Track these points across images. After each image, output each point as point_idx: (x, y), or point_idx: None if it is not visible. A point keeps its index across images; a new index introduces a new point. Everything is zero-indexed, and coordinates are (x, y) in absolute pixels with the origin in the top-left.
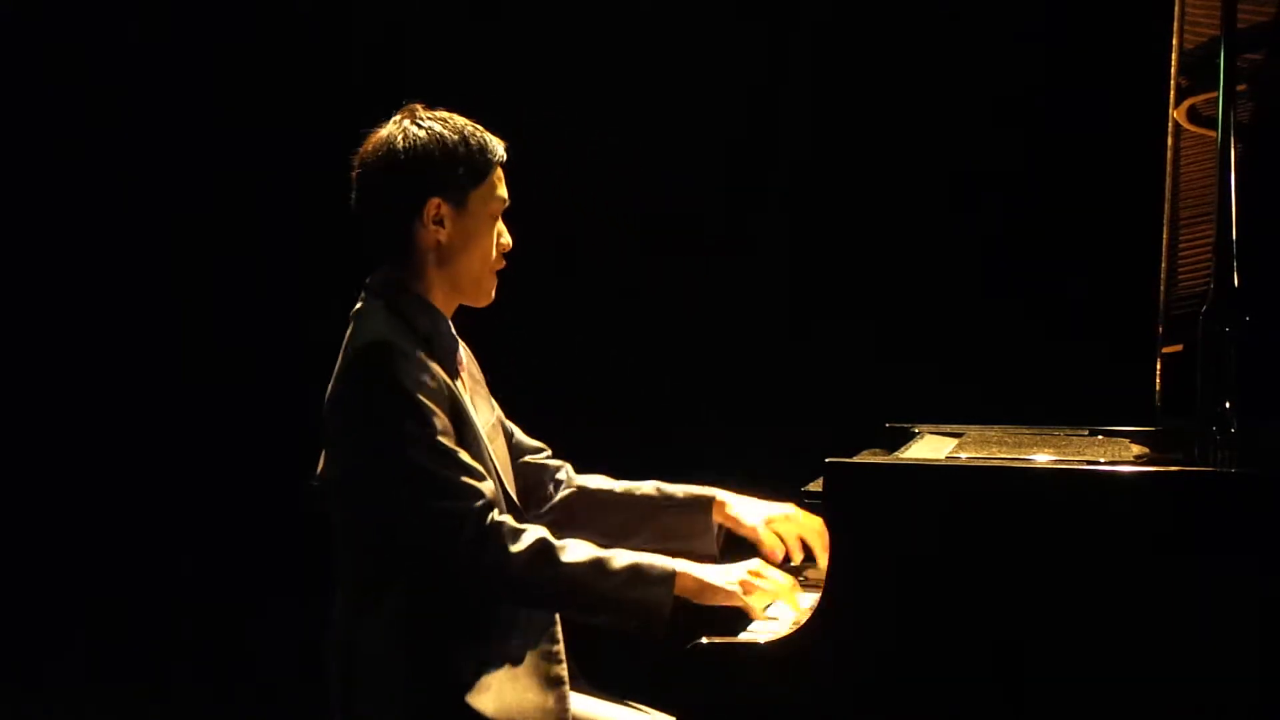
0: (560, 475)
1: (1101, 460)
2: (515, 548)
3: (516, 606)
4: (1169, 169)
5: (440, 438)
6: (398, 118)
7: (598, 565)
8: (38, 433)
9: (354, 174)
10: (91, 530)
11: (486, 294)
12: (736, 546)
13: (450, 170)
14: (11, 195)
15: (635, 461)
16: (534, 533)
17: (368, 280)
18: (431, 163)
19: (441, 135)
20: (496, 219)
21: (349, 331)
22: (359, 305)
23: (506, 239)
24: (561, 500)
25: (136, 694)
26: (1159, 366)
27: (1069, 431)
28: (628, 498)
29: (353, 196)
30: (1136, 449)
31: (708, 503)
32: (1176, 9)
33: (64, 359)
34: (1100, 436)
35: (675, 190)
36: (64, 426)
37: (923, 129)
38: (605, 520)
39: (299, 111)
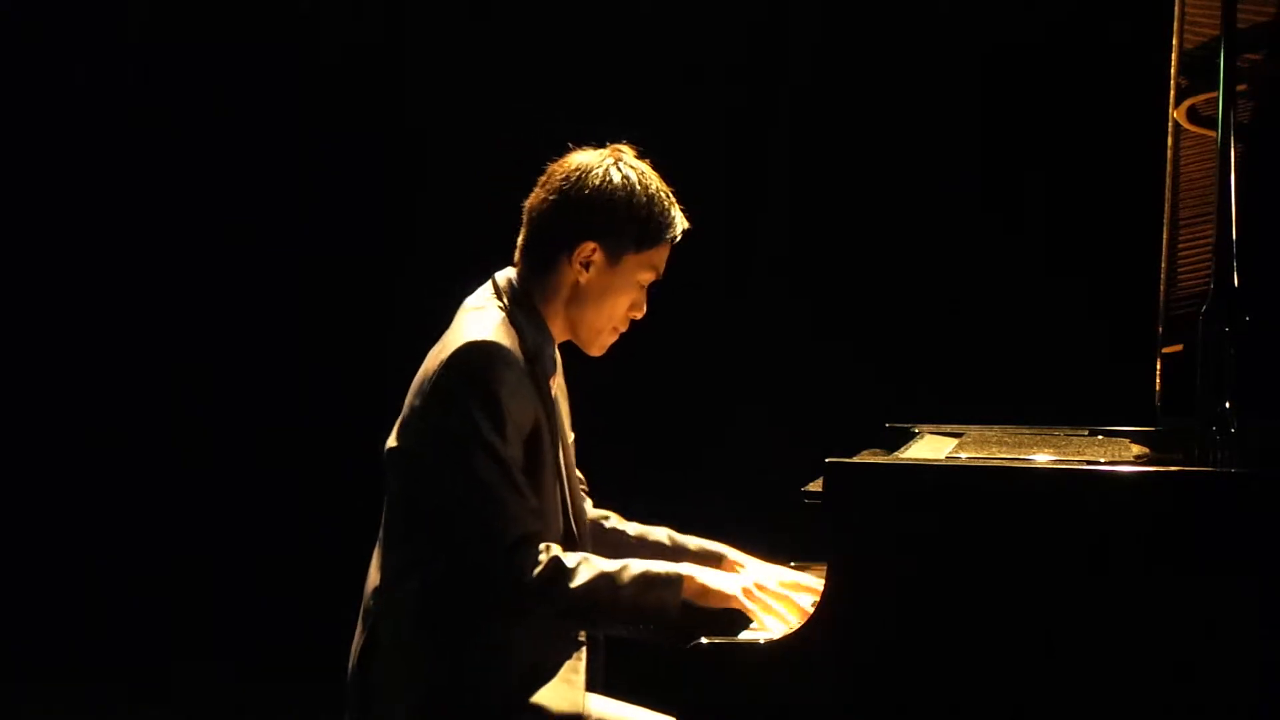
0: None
1: (1101, 460)
2: (532, 574)
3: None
4: (1169, 169)
5: (508, 456)
6: (605, 152)
7: (608, 580)
8: (38, 432)
9: (540, 178)
10: (91, 529)
11: (598, 349)
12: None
13: (622, 225)
14: (11, 195)
15: (636, 462)
16: (548, 555)
17: (496, 275)
18: (609, 209)
19: (633, 189)
20: (642, 288)
21: (460, 320)
22: (477, 298)
23: (641, 311)
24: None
25: (135, 693)
26: (1159, 366)
27: (1069, 431)
28: (640, 541)
29: (531, 196)
30: (1136, 449)
31: (719, 559)
32: (1176, 9)
33: (64, 359)
34: (1100, 436)
35: (676, 190)
36: (64, 426)
37: (923, 129)
38: (616, 557)
39: (296, 111)
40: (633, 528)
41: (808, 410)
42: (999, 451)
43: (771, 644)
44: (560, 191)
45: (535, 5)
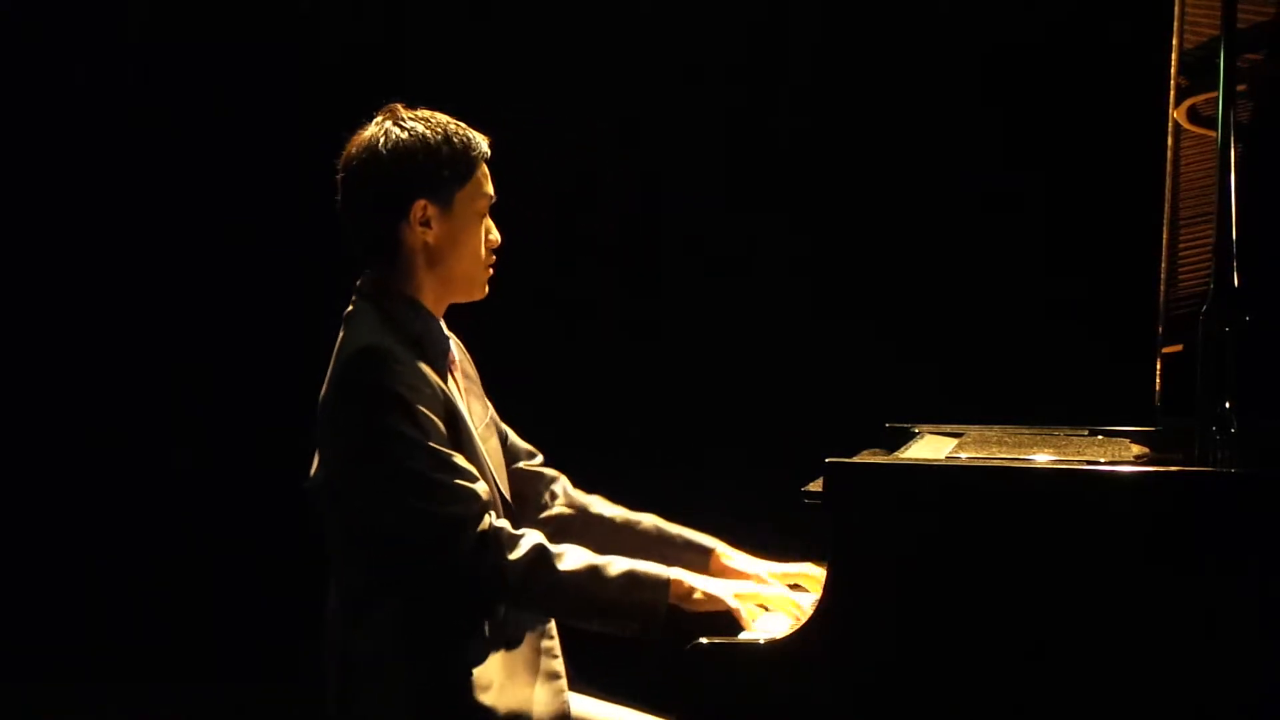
0: (556, 487)
1: (1101, 460)
2: (513, 555)
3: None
4: (1169, 169)
5: (435, 443)
6: (379, 118)
7: (594, 572)
8: (38, 432)
9: (338, 176)
10: (91, 529)
11: (480, 288)
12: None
13: (435, 171)
14: (11, 195)
15: (635, 462)
16: (531, 539)
17: (358, 283)
18: (415, 164)
19: (424, 135)
20: (484, 216)
21: (341, 335)
22: (350, 309)
23: (495, 235)
24: (558, 516)
25: (135, 693)
26: (1159, 366)
27: (1069, 431)
28: (626, 529)
29: (337, 199)
30: (1136, 449)
31: (705, 551)
32: (1176, 9)
33: (64, 359)
34: (1100, 436)
35: (675, 189)
36: (64, 426)
37: (923, 129)
38: (601, 546)
39: (296, 111)
40: (618, 513)
41: (808, 410)
42: (999, 451)
43: (771, 644)
44: (363, 173)
45: (535, 6)
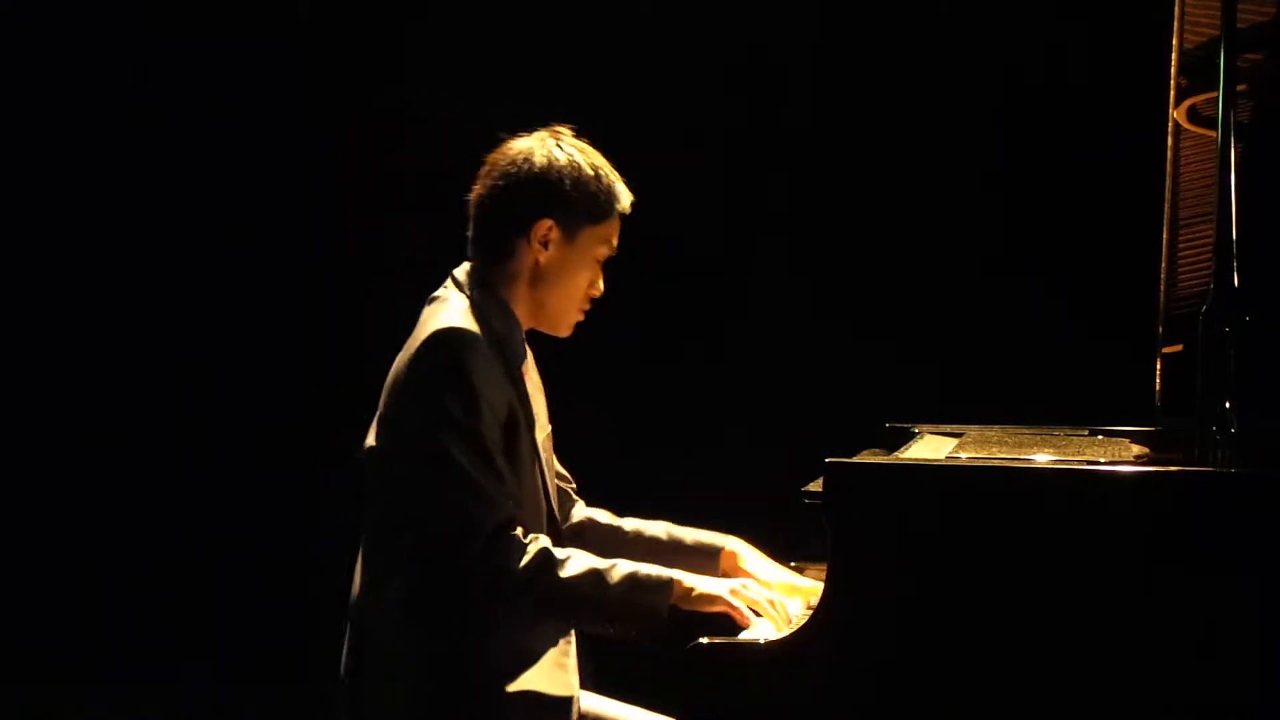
0: (574, 509)
1: (1101, 460)
2: (516, 563)
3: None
4: (1169, 169)
5: (486, 439)
6: (542, 135)
7: (595, 576)
8: (38, 432)
9: (483, 170)
10: (91, 529)
11: (566, 328)
12: None
13: (574, 200)
14: (11, 195)
15: (634, 462)
16: (536, 545)
17: (455, 271)
18: (560, 185)
19: (578, 165)
20: (599, 263)
21: (425, 314)
22: (440, 292)
23: (600, 286)
24: (570, 528)
25: (135, 693)
26: (1159, 366)
27: (1069, 431)
28: (636, 537)
29: (475, 189)
30: (1136, 449)
31: (716, 551)
32: (1176, 9)
33: (64, 359)
34: (1100, 436)
35: (674, 189)
36: (64, 426)
37: (922, 129)
38: (611, 555)
39: (296, 111)
40: (629, 523)
41: (808, 410)
42: (999, 451)
43: (771, 644)
44: (508, 176)
45: (535, 7)
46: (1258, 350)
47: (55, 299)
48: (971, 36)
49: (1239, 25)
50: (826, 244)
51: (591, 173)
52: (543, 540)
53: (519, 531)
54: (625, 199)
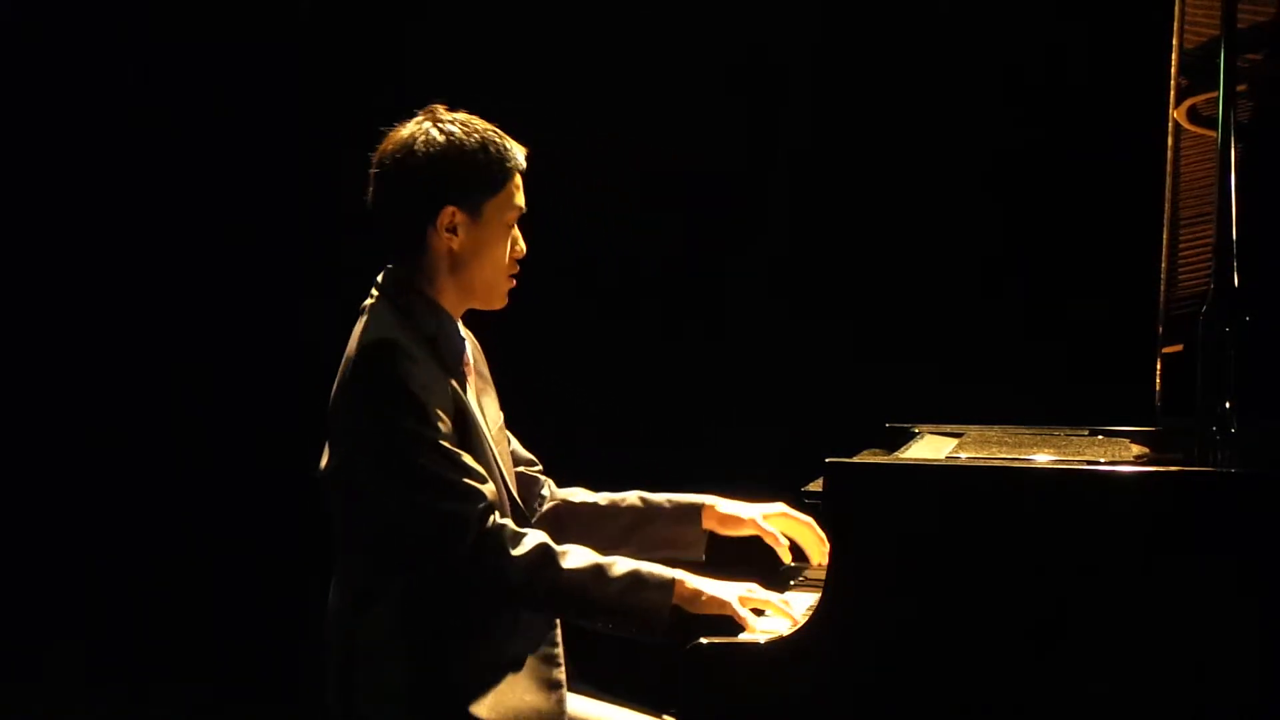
0: (544, 491)
1: (1101, 460)
2: (516, 552)
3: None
4: (1169, 169)
5: (443, 440)
6: (419, 118)
7: (598, 572)
8: (38, 432)
9: (371, 171)
10: (91, 529)
11: (500, 298)
12: (722, 555)
13: (467, 179)
14: (11, 195)
15: (635, 462)
16: (535, 537)
17: (378, 278)
18: (449, 170)
19: (461, 141)
20: (512, 227)
21: (356, 328)
22: (367, 302)
23: (521, 246)
24: (545, 513)
25: (134, 693)
26: (1159, 366)
27: (1069, 431)
28: (612, 509)
29: (368, 192)
30: (1136, 449)
31: (695, 511)
32: (1176, 9)
33: (64, 359)
34: (1100, 436)
35: (673, 190)
36: (64, 426)
37: (922, 128)
38: (591, 533)
39: (296, 111)
40: (603, 497)
41: (808, 410)
42: (999, 451)
43: (771, 644)
44: (396, 174)
45: (535, 8)
46: (1258, 350)
47: (55, 299)
48: (971, 36)
49: (1239, 25)
50: (827, 244)
51: (476, 144)
52: (540, 534)
53: (508, 521)
54: (518, 155)
